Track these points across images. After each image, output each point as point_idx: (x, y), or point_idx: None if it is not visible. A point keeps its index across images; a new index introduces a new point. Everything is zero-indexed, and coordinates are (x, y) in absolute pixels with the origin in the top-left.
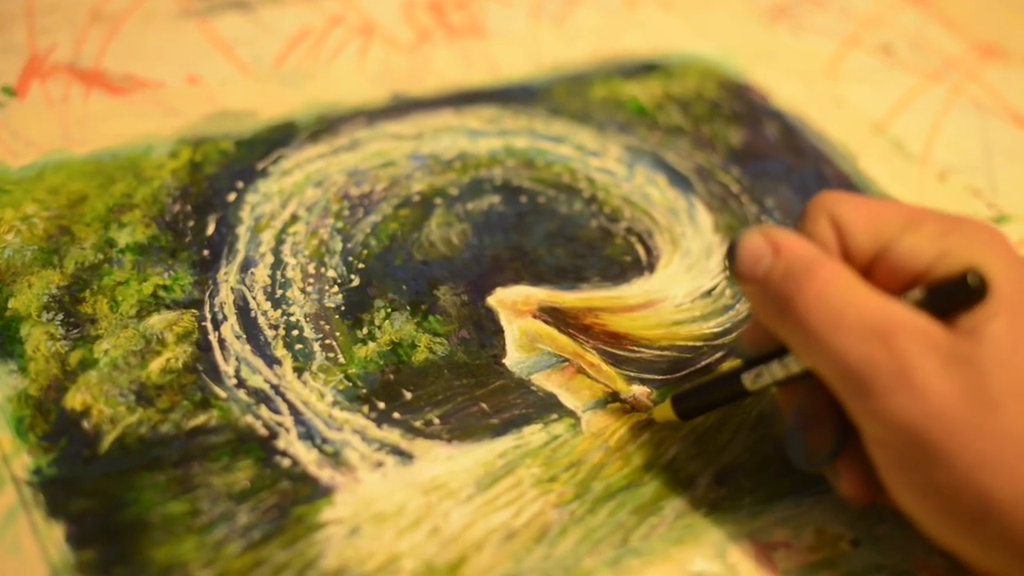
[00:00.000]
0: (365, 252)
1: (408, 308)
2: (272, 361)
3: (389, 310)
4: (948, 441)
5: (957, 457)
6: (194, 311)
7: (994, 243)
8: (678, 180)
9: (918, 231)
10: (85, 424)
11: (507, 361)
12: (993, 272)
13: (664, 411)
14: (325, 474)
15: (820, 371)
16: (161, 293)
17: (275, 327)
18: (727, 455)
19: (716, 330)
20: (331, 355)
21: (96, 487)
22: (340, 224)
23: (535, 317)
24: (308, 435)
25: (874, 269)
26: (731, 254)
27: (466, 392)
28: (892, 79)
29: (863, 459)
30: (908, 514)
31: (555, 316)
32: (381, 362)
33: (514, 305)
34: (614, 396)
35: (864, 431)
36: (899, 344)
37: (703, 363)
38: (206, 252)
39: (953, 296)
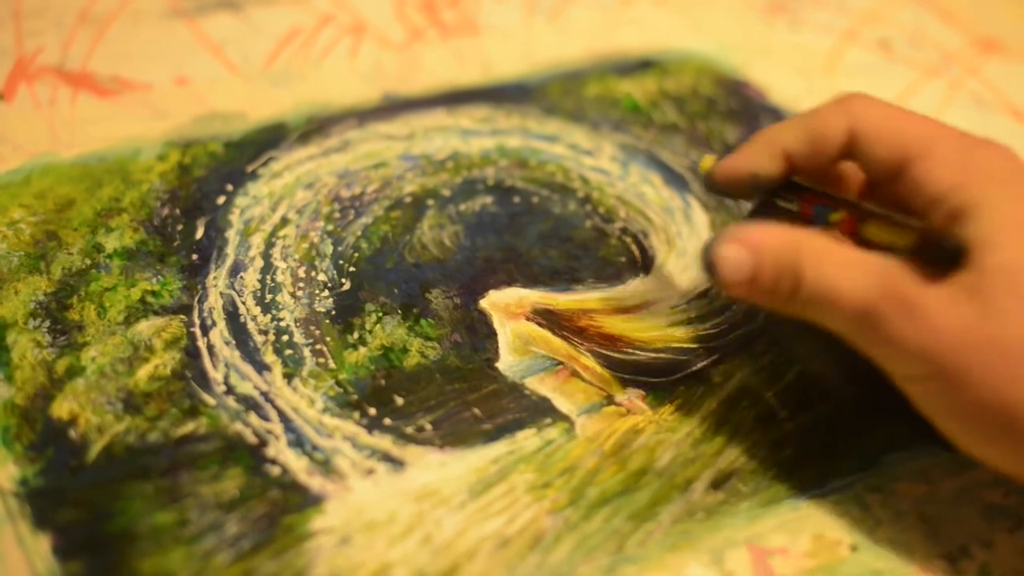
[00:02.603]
0: (356, 255)
1: (400, 312)
2: (262, 367)
3: (380, 314)
4: (964, 364)
5: (975, 378)
6: (183, 317)
7: (1005, 174)
8: (673, 179)
9: (936, 156)
10: (72, 433)
11: (500, 365)
12: (995, 202)
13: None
14: (315, 482)
15: (835, 329)
16: (149, 299)
17: (265, 332)
18: (723, 460)
19: (712, 331)
20: (321, 360)
21: (83, 497)
22: (331, 227)
23: (528, 320)
24: (298, 442)
25: (898, 181)
26: (711, 269)
27: (458, 397)
28: (891, 74)
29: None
30: (953, 440)
31: (549, 318)
32: (372, 367)
33: (507, 308)
34: (609, 399)
35: (893, 374)
36: (901, 286)
37: (699, 366)
38: (195, 256)
39: (936, 259)
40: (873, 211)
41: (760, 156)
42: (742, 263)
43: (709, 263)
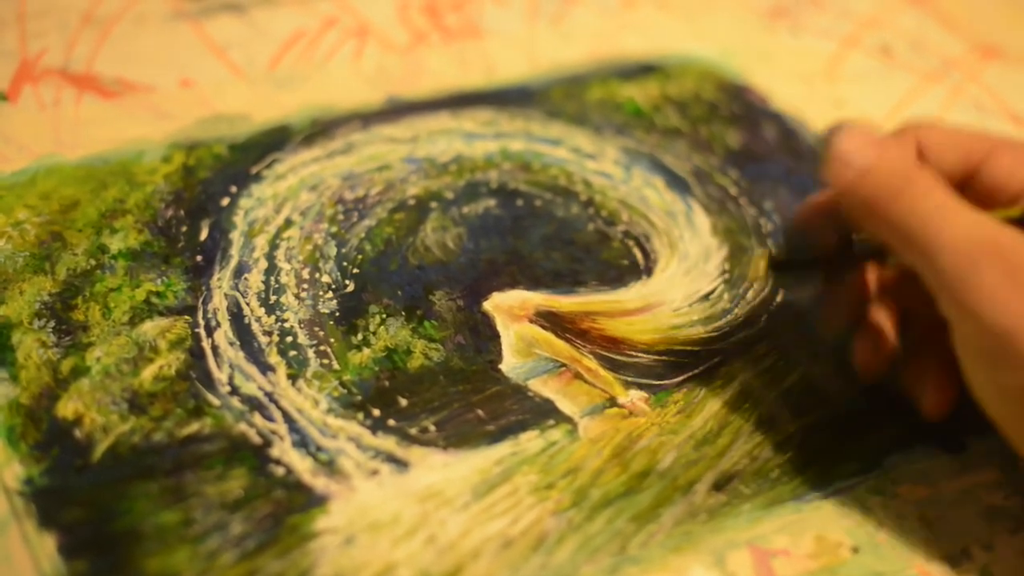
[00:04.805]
0: (360, 257)
1: (403, 313)
2: (266, 368)
3: (384, 316)
4: None
5: None
6: (187, 317)
7: None
8: (676, 182)
9: (1006, 153)
10: (77, 433)
11: (503, 367)
12: None
13: (757, 268)
14: (320, 483)
15: (920, 267)
16: (154, 299)
17: (269, 333)
18: (726, 461)
19: (714, 334)
20: (325, 362)
21: (88, 497)
22: (334, 229)
23: (532, 322)
24: (302, 443)
25: (964, 192)
26: (828, 139)
27: (462, 398)
28: (892, 80)
29: (875, 335)
30: (993, 417)
31: (552, 321)
32: (376, 368)
33: (510, 310)
34: (612, 401)
35: (957, 330)
36: (1009, 244)
37: (701, 368)
38: (199, 258)
39: None
40: None
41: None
42: (861, 151)
43: (829, 142)
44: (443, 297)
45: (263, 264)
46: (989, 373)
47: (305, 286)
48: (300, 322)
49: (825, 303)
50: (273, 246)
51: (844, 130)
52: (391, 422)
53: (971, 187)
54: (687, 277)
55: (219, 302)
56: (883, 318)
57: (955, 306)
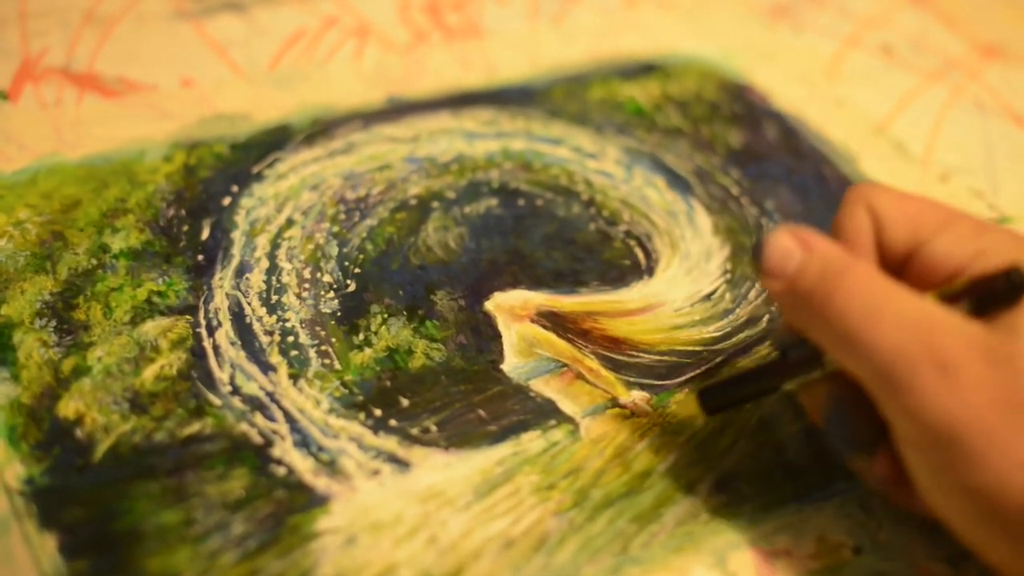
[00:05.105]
0: (361, 257)
1: (405, 313)
2: (267, 368)
3: (386, 315)
4: (986, 440)
5: (993, 457)
6: (188, 317)
7: (1020, 243)
8: (677, 182)
9: (953, 230)
10: (78, 432)
11: (505, 367)
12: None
13: (687, 406)
14: (321, 483)
15: (855, 370)
16: (155, 299)
17: (270, 333)
18: (727, 461)
19: (716, 334)
20: (327, 361)
21: (89, 496)
22: (336, 228)
23: (533, 322)
24: (304, 443)
25: (908, 266)
26: (757, 251)
27: (463, 398)
28: (893, 79)
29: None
30: (941, 517)
31: (553, 321)
32: (378, 368)
33: (512, 310)
34: (613, 402)
35: (898, 431)
36: (940, 340)
37: (703, 368)
38: (201, 257)
39: (994, 293)
40: None
41: None
42: (790, 255)
43: (758, 244)
44: (445, 297)
45: (264, 264)
46: (933, 472)
47: (307, 286)
48: (301, 322)
49: (843, 424)
50: (275, 245)
51: (770, 240)
52: (392, 422)
53: (916, 259)
54: (689, 277)
55: (220, 302)
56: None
57: (893, 408)
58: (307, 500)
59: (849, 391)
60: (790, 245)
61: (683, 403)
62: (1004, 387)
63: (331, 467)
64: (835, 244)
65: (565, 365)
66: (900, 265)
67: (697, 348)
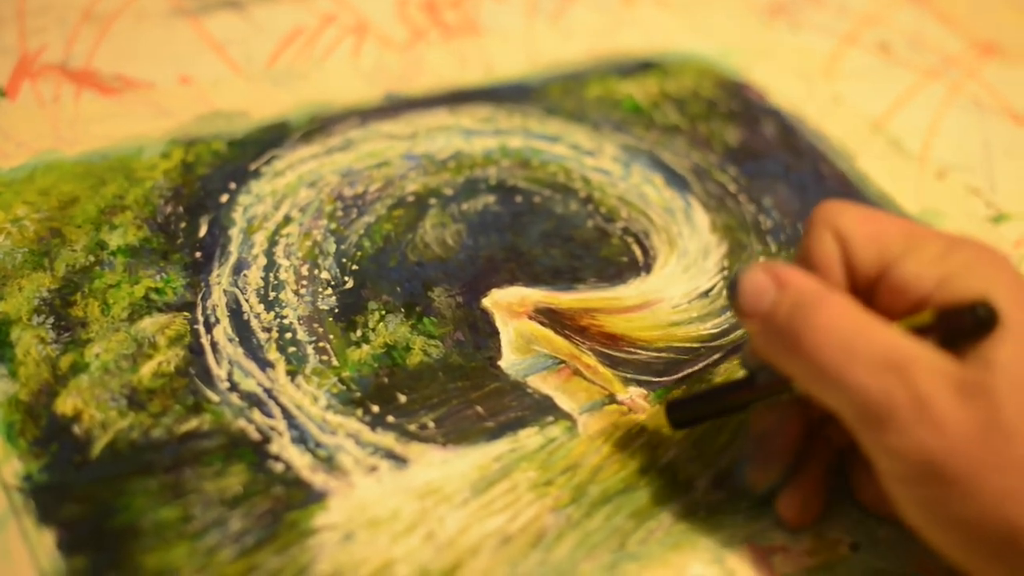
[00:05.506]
0: (359, 254)
1: (402, 310)
2: (265, 364)
3: (383, 312)
4: (967, 473)
5: (977, 489)
6: (186, 314)
7: (996, 266)
8: (675, 179)
9: (919, 253)
10: (76, 429)
11: (502, 363)
12: (997, 297)
13: (657, 417)
14: (319, 479)
15: (832, 405)
16: (153, 296)
17: (268, 330)
18: (725, 458)
19: (713, 331)
20: (325, 358)
21: (87, 493)
22: (334, 225)
23: (531, 318)
24: (301, 439)
25: (877, 289)
26: (732, 290)
27: (461, 395)
28: (890, 77)
29: (805, 488)
30: (931, 545)
31: (551, 317)
32: (375, 365)
33: (509, 306)
34: (611, 398)
35: (880, 466)
36: (915, 377)
37: (700, 365)
38: (198, 254)
39: (963, 328)
40: None
41: None
42: (765, 290)
43: (732, 283)
44: (442, 294)
45: (262, 260)
46: (918, 505)
47: (304, 282)
48: (299, 318)
49: (756, 457)
50: (272, 242)
51: (743, 277)
52: (390, 418)
53: (885, 280)
54: (686, 274)
55: (218, 298)
56: (814, 468)
57: (873, 444)
58: (305, 496)
59: (773, 432)
60: (763, 282)
61: (653, 416)
62: (980, 420)
63: (329, 463)
64: (809, 277)
65: (563, 362)
66: (871, 286)
67: (694, 345)
